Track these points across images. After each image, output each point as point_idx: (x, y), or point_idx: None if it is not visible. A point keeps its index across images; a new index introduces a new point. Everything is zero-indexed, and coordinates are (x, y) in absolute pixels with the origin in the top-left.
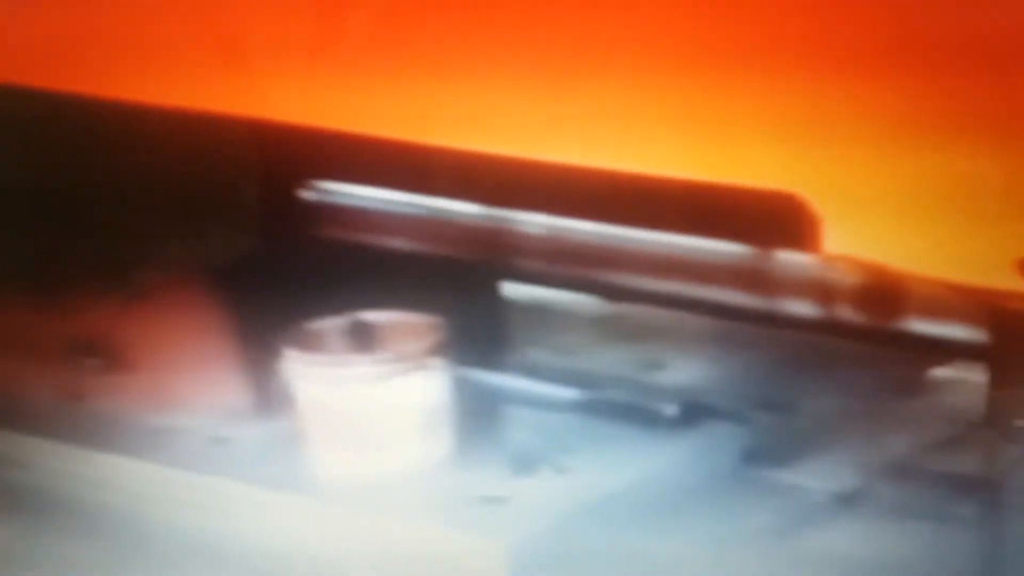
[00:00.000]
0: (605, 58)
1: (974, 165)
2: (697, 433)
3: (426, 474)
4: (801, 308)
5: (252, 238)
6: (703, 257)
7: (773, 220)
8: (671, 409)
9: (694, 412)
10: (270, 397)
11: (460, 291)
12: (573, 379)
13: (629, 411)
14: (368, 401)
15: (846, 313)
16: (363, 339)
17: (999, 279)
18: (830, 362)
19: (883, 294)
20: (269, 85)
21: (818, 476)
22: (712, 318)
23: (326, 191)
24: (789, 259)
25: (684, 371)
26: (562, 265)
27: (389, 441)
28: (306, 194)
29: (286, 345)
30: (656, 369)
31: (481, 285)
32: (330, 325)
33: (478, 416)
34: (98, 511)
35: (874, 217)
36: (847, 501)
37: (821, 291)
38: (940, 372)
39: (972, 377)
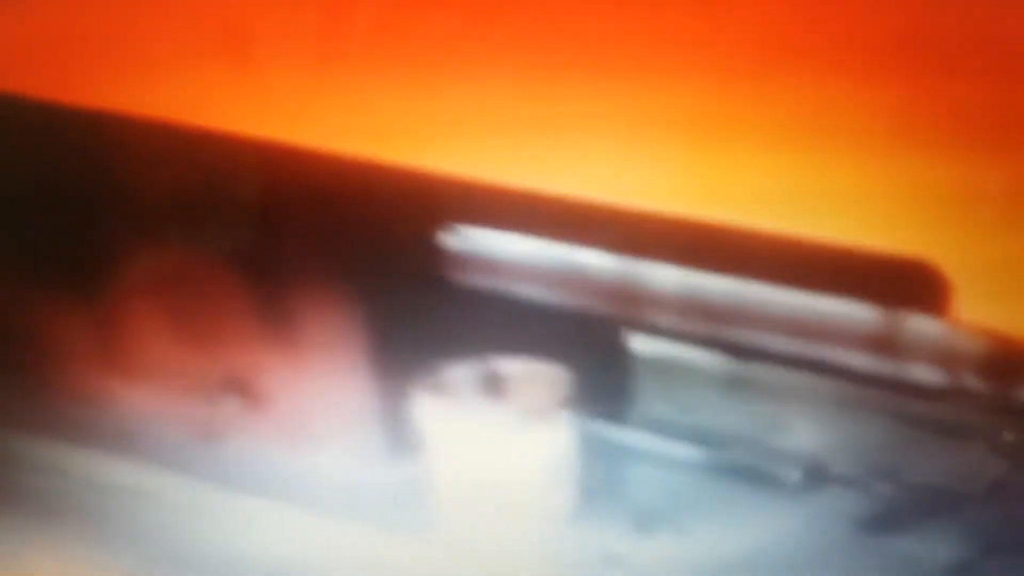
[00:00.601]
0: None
1: None
2: (816, 497)
3: (547, 526)
4: (926, 374)
5: (392, 282)
6: (833, 319)
7: (904, 284)
8: (793, 474)
9: (815, 477)
10: (401, 440)
11: (591, 342)
12: (697, 437)
13: (751, 473)
14: (495, 449)
15: (971, 381)
16: (494, 387)
17: None
18: (950, 430)
19: (1010, 364)
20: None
21: (934, 544)
22: (838, 380)
23: (466, 237)
24: (918, 325)
25: (806, 433)
26: (693, 321)
27: (513, 491)
28: (447, 240)
29: (419, 389)
30: (780, 430)
31: (612, 337)
32: (462, 372)
33: (601, 470)
34: (227, 548)
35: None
36: (963, 571)
37: (948, 358)
38: None
39: None
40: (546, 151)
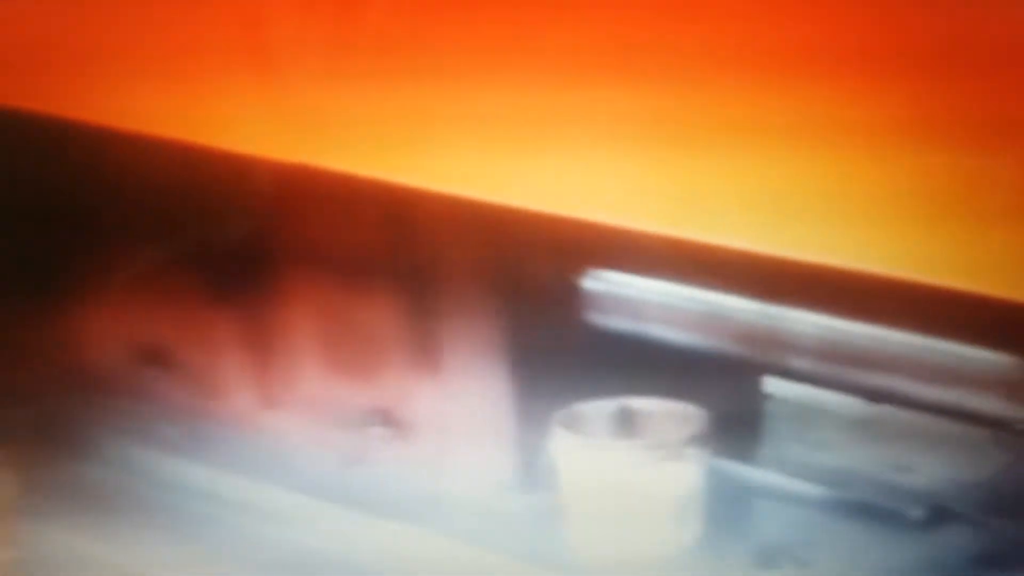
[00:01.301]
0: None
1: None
2: (937, 535)
3: (674, 559)
4: None
5: (535, 321)
6: (965, 365)
7: None
8: (916, 512)
9: (937, 515)
10: (536, 471)
11: (723, 383)
12: (822, 476)
13: (874, 511)
14: (627, 484)
15: None
16: (628, 424)
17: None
18: None
19: None
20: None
21: None
22: (963, 423)
23: (607, 280)
24: None
25: (930, 472)
26: (827, 365)
27: (642, 524)
28: (589, 282)
29: (556, 424)
30: (904, 470)
31: (744, 378)
32: (598, 408)
33: (728, 505)
34: (368, 571)
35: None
36: None
37: None
38: None
39: None
40: (532, 164)
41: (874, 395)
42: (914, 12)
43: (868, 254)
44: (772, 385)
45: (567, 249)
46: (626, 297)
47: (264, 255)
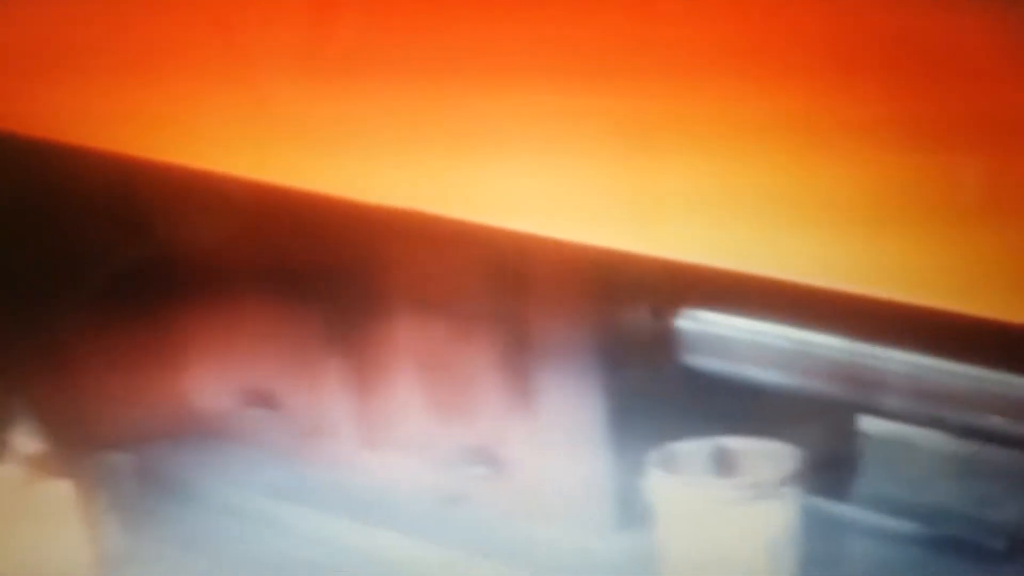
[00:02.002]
0: None
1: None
2: (1019, 566)
3: None
4: None
5: (630, 360)
6: None
7: None
8: (999, 543)
9: (1019, 546)
10: (632, 512)
11: (817, 421)
12: (911, 512)
13: (959, 544)
14: (720, 523)
15: None
16: (724, 463)
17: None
18: None
19: None
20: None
21: None
22: None
23: (699, 320)
24: None
25: (1015, 506)
26: (921, 404)
27: (738, 563)
28: (681, 322)
29: (651, 464)
30: (989, 504)
31: (838, 417)
32: (693, 448)
33: (821, 542)
34: None
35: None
36: None
37: None
38: None
39: None
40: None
41: (965, 432)
42: (881, 13)
43: (842, 266)
44: (865, 423)
45: (662, 289)
46: (720, 336)
47: (366, 297)
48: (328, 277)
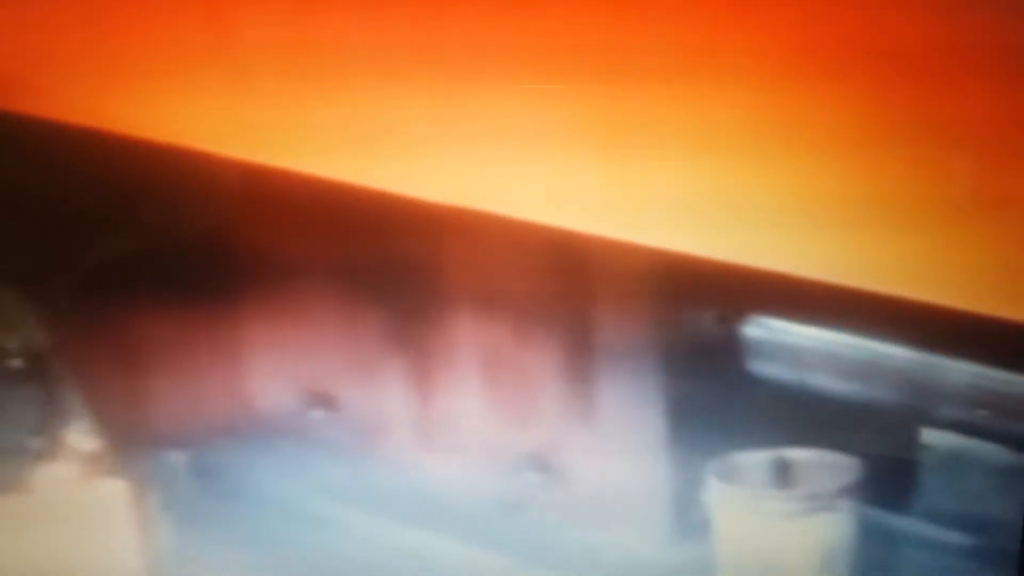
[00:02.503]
0: None
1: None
2: None
3: None
4: None
5: (692, 368)
6: None
7: None
8: None
9: None
10: (690, 522)
11: (878, 432)
12: (965, 523)
13: (1016, 558)
14: (777, 534)
15: None
16: (783, 475)
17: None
18: None
19: None
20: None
21: None
22: None
23: (764, 327)
24: None
25: None
26: (982, 415)
27: (795, 574)
28: (745, 329)
29: (711, 474)
30: None
31: (900, 428)
32: (753, 458)
33: (880, 555)
34: None
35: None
36: None
37: None
38: None
39: None
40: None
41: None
42: (870, 16)
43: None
44: (924, 434)
45: (729, 294)
46: (785, 344)
47: (428, 298)
48: (391, 278)
